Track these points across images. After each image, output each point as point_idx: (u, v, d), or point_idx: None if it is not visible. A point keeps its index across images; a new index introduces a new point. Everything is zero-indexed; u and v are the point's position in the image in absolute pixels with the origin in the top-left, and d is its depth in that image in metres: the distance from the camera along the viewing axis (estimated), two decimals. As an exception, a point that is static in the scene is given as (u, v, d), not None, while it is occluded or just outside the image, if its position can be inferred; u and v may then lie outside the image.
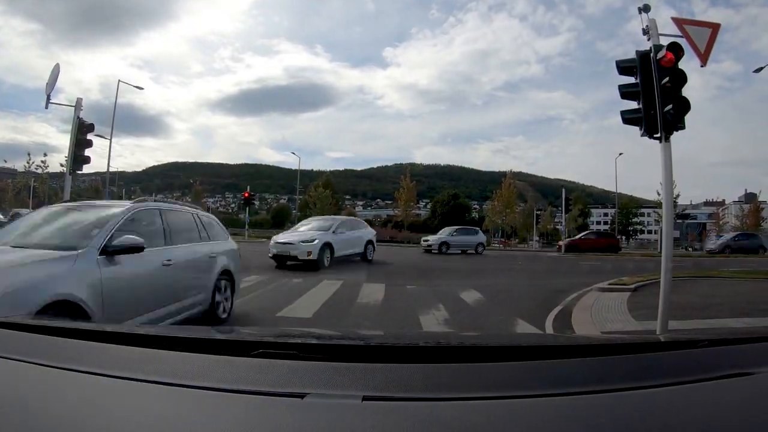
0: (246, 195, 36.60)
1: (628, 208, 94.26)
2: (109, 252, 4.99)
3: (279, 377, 1.07)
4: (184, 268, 6.76)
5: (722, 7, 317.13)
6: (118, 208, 5.95)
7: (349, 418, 0.89)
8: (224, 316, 8.02)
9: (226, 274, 8.29)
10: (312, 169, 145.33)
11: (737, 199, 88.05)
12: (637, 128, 6.37)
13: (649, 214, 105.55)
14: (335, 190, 67.97)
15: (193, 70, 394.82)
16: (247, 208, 37.60)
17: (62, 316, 4.08)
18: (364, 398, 0.95)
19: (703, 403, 1.01)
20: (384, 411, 0.93)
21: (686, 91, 6.16)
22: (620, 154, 47.48)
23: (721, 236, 46.24)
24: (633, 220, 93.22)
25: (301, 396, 0.95)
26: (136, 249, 5.21)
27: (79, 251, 4.74)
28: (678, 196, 46.50)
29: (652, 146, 6.37)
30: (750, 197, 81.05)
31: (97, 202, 7.16)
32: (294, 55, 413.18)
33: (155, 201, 7.61)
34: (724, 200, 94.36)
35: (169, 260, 6.22)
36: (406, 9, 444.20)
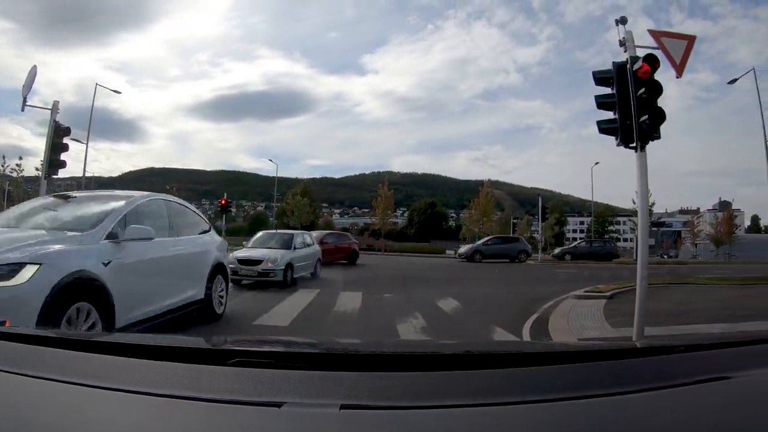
0: (223, 202, 36.12)
1: (605, 216, 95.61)
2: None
3: (256, 386, 1.06)
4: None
5: (700, 19, 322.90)
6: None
7: (327, 427, 0.89)
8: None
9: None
10: (290, 177, 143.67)
11: (711, 208, 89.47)
12: (613, 138, 6.44)
13: (624, 223, 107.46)
14: (313, 198, 67.76)
15: (170, 74, 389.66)
16: (224, 215, 37.10)
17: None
18: (342, 407, 0.94)
19: (680, 408, 1.01)
20: (362, 420, 0.93)
21: (662, 101, 6.26)
22: (596, 163, 48.25)
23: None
24: (609, 228, 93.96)
25: (278, 405, 0.94)
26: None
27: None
28: (653, 204, 46.83)
29: (629, 155, 6.45)
30: (724, 205, 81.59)
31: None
32: (272, 60, 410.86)
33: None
34: (698, 208, 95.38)
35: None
36: (385, 16, 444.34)
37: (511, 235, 43.40)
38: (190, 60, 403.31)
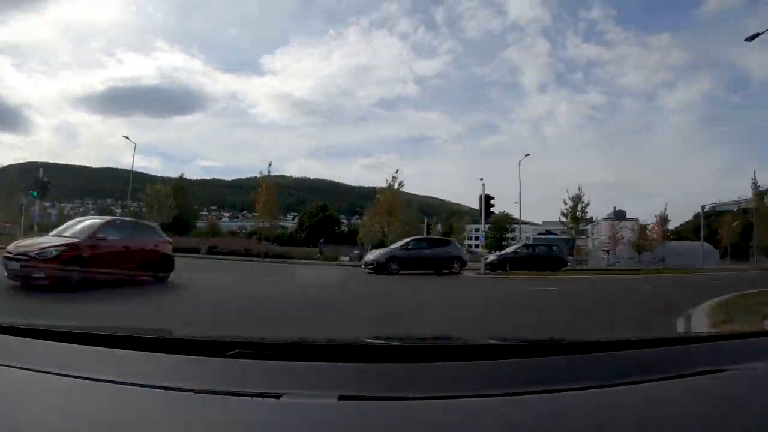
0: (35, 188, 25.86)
1: (502, 224, 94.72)
2: None
3: (255, 377, 1.07)
4: None
5: (593, 44, 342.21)
6: None
7: (326, 418, 0.90)
8: None
9: None
10: (181, 176, 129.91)
11: (606, 216, 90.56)
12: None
13: (515, 230, 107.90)
14: (194, 196, 57.77)
15: (59, 60, 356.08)
16: (38, 201, 26.76)
17: None
18: (340, 397, 0.95)
19: (676, 399, 1.02)
20: (360, 410, 0.94)
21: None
22: (527, 155, 45.39)
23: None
24: (506, 235, 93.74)
25: (277, 396, 0.95)
26: None
27: None
28: (588, 204, 46.51)
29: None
30: (619, 215, 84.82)
31: None
32: (168, 54, 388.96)
33: None
34: (592, 217, 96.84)
35: None
36: (288, 16, 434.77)
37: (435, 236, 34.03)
38: (82, 46, 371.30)
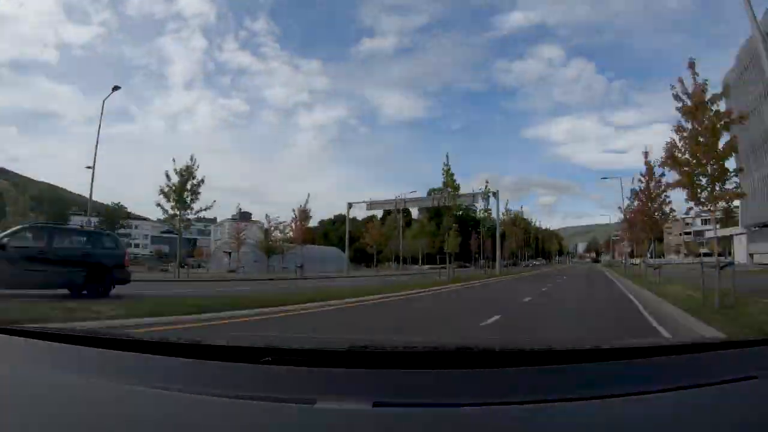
0: None
1: (116, 217, 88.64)
2: None
3: (289, 383, 1.08)
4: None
5: (249, 53, 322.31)
6: None
7: (360, 424, 0.91)
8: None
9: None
10: None
11: (231, 217, 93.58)
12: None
13: (136, 226, 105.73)
14: None
15: None
16: None
17: None
18: (375, 404, 0.94)
19: (708, 407, 1.01)
20: (394, 417, 0.94)
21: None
22: (115, 87, 33.00)
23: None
24: (121, 231, 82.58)
25: (312, 402, 0.95)
26: None
27: None
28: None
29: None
30: (244, 216, 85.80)
31: None
32: None
33: None
34: (216, 218, 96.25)
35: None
36: None
37: None
38: None
